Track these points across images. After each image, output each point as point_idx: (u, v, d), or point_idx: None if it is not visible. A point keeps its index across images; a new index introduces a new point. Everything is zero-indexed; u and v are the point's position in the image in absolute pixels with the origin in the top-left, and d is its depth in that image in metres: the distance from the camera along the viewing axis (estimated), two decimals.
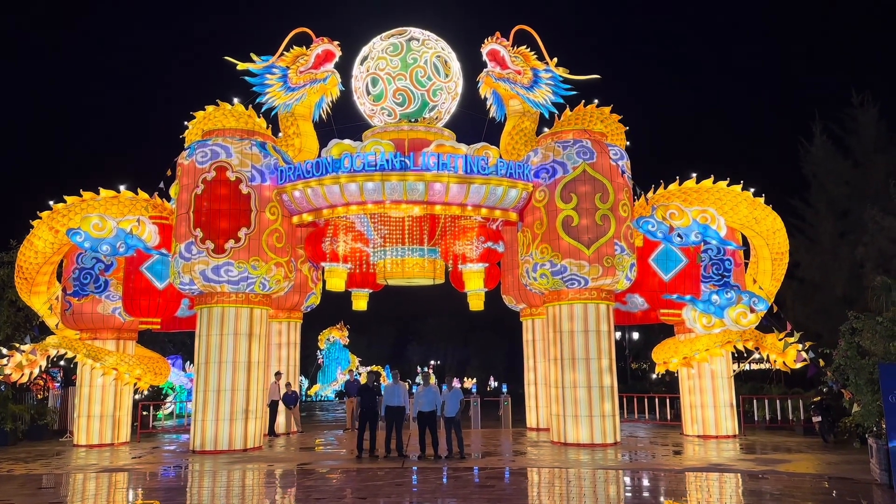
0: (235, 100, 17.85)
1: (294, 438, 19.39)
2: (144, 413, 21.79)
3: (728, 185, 17.84)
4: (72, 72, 64.59)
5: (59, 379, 24.57)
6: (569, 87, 17.81)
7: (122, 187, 17.71)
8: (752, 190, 17.85)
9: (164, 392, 26.95)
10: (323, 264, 18.45)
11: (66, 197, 17.56)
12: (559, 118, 17.87)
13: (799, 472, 12.59)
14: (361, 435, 14.96)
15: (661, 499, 10.95)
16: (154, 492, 12.21)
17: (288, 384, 20.41)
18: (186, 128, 18.21)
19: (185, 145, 17.65)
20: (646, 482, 12.13)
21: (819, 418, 17.22)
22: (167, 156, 17.59)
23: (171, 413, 25.68)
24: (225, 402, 15.73)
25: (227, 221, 15.98)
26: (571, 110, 17.95)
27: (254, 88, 17.64)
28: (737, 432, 18.09)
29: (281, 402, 19.98)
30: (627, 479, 12.26)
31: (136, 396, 20.80)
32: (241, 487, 11.95)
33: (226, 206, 16.07)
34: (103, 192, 17.65)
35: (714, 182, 17.87)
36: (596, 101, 17.94)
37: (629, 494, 11.27)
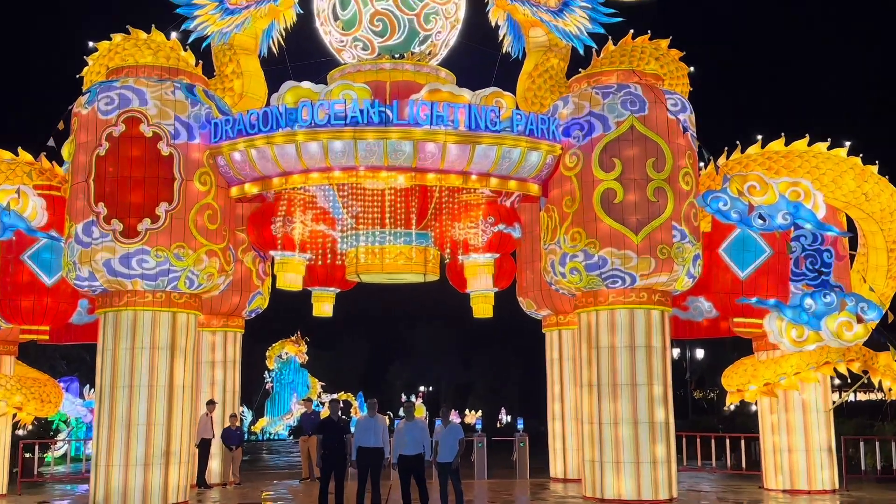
0: (153, 27, 17.69)
1: (232, 490, 19.41)
2: (27, 455, 21.77)
3: (829, 149, 17.81)
4: None
5: None
6: (612, 11, 17.72)
7: None
8: (861, 155, 17.83)
9: (54, 427, 26.96)
10: (272, 253, 18.40)
11: None
12: (598, 55, 17.79)
13: None
14: (325, 487, 14.98)
15: None
16: None
17: (232, 416, 20.48)
18: (86, 64, 18.08)
19: (84, 88, 17.54)
20: None
21: None
22: (59, 103, 17.51)
23: (65, 455, 25.71)
24: (138, 440, 15.67)
25: (140, 194, 15.89)
26: (615, 44, 17.86)
27: (178, 10, 17.50)
28: (836, 486, 18.14)
29: (217, 442, 20.00)
30: None
31: (17, 433, 20.80)
32: None
33: (139, 173, 15.97)
34: None
35: (809, 144, 17.84)
36: (649, 31, 17.85)
37: None
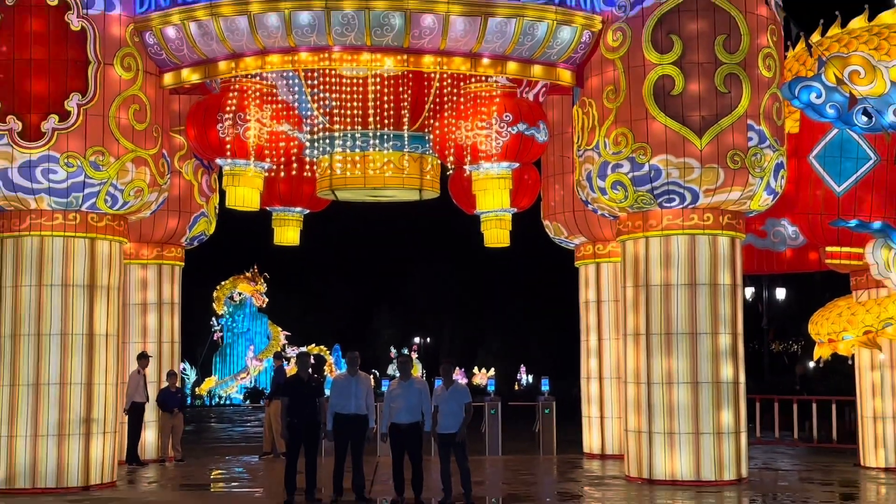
0: None
1: (172, 468, 19.70)
2: None
3: None
4: None
5: None
6: None
7: None
8: None
9: None
10: (220, 162, 18.36)
11: None
12: None
13: None
14: (293, 465, 15.14)
15: None
16: None
17: (171, 374, 20.68)
18: None
19: None
20: None
21: None
22: None
23: None
24: (49, 405, 15.85)
25: (45, 82, 15.83)
26: None
27: None
28: None
29: (152, 407, 20.21)
30: None
31: None
32: None
33: (42, 55, 15.87)
34: None
35: None
36: None
37: None
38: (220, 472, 19.88)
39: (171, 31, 16.19)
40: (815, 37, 17.67)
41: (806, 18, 17.53)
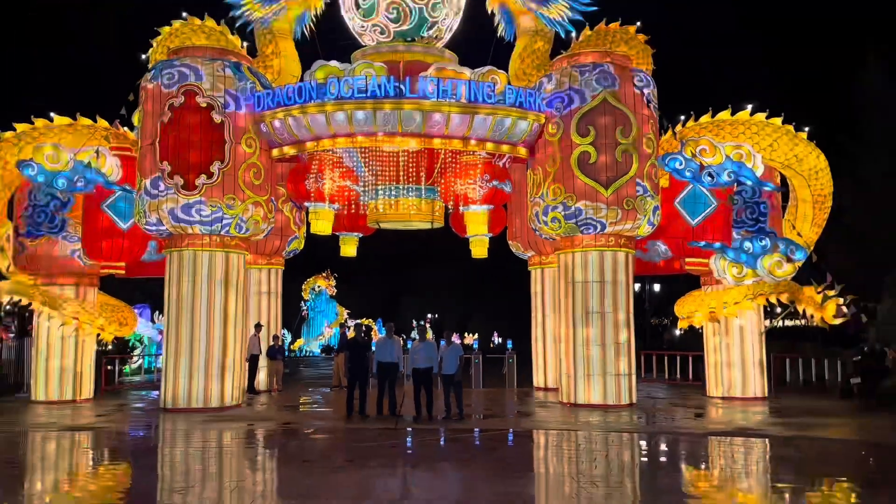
0: (206, 14, 17.47)
1: (276, 396, 19.71)
2: (109, 367, 22.08)
3: (766, 118, 17.66)
4: None
5: (13, 329, 24.78)
6: (588, 1, 17.42)
7: (78, 114, 17.49)
8: (794, 123, 17.67)
9: (130, 345, 27.26)
10: (307, 204, 18.38)
11: (15, 125, 17.36)
12: (577, 39, 17.55)
13: (833, 438, 12.86)
14: (351, 393, 15.20)
15: (681, 465, 11.21)
16: (122, 452, 12.49)
17: (275, 336, 20.69)
18: (150, 46, 17.88)
19: (149, 66, 17.36)
20: (663, 446, 12.40)
21: (858, 380, 17.48)
22: (129, 78, 17.34)
23: (139, 368, 26.04)
24: (199, 355, 15.92)
25: (197, 154, 15.87)
26: (591, 29, 17.61)
27: (227, 1, 17.24)
28: (766, 394, 18.38)
29: (263, 357, 20.25)
30: (643, 444, 12.53)
31: (100, 349, 21.03)
32: (218, 448, 12.22)
33: (196, 137, 15.92)
34: (57, 118, 17.44)
35: (751, 114, 17.68)
36: (619, 19, 17.59)
37: (645, 460, 11.53)
38: (305, 398, 19.93)
39: (277, 123, 16.26)
40: (679, 127, 17.67)
41: (674, 113, 17.58)
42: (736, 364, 18.25)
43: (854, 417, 15.41)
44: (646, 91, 16.46)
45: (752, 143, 16.99)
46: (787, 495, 8.96)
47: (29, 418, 15.60)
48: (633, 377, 16.61)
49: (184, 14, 17.50)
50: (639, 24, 17.69)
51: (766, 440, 12.60)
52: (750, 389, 18.14)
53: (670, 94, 17.75)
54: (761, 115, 17.68)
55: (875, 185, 25.51)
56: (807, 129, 17.74)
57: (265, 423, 14.70)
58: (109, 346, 23.93)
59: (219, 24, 17.49)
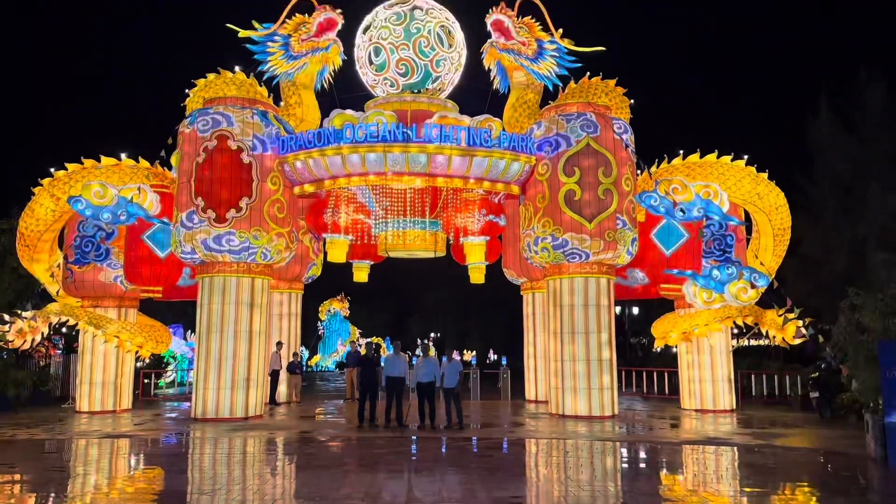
0: (237, 68, 17.67)
1: (295, 407, 19.57)
2: (146, 381, 21.98)
3: (731, 160, 17.73)
4: (71, 38, 63.89)
5: (60, 346, 24.71)
6: (573, 59, 17.62)
7: (123, 155, 17.63)
8: (756, 165, 17.76)
9: (165, 360, 27.16)
10: (324, 235, 18.45)
11: (66, 164, 17.50)
12: (563, 91, 17.70)
13: (795, 447, 12.73)
14: (362, 405, 15.10)
15: (659, 470, 11.09)
16: (156, 457, 12.39)
17: (295, 353, 20.60)
18: (187, 96, 18.05)
19: (187, 113, 17.53)
20: (642, 454, 12.27)
21: (817, 394, 17.35)
22: (168, 124, 17.51)
23: (173, 381, 25.91)
24: (226, 370, 15.85)
25: (228, 191, 15.94)
26: (576, 83, 17.77)
27: (255, 56, 17.43)
28: (734, 407, 18.23)
29: (283, 371, 20.15)
30: (624, 451, 12.41)
31: (138, 364, 20.97)
32: (242, 454, 12.11)
33: (227, 175, 16.01)
34: (104, 159, 17.58)
35: (718, 157, 17.76)
36: (601, 73, 17.79)
37: (626, 465, 11.42)
38: (321, 409, 19.77)
39: (298, 164, 16.36)
40: (653, 168, 17.76)
41: (649, 156, 17.67)
42: (707, 379, 18.13)
43: (813, 428, 15.27)
44: (624, 136, 16.58)
45: (719, 183, 17.04)
46: (754, 498, 8.85)
47: (74, 427, 15.48)
48: (615, 391, 16.50)
49: (218, 69, 17.71)
50: (617, 78, 17.88)
51: (735, 448, 12.49)
52: (720, 402, 18.00)
53: (646, 138, 17.87)
54: (727, 158, 17.76)
55: (828, 219, 25.55)
56: (767, 170, 17.83)
57: (285, 432, 14.58)
58: (147, 362, 23.86)
59: (248, 76, 17.67)
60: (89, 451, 12.60)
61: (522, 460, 12.02)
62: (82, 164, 17.52)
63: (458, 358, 16.65)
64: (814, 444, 13.00)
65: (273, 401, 19.68)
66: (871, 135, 25.45)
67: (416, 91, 18.56)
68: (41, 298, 18.57)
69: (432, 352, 15.54)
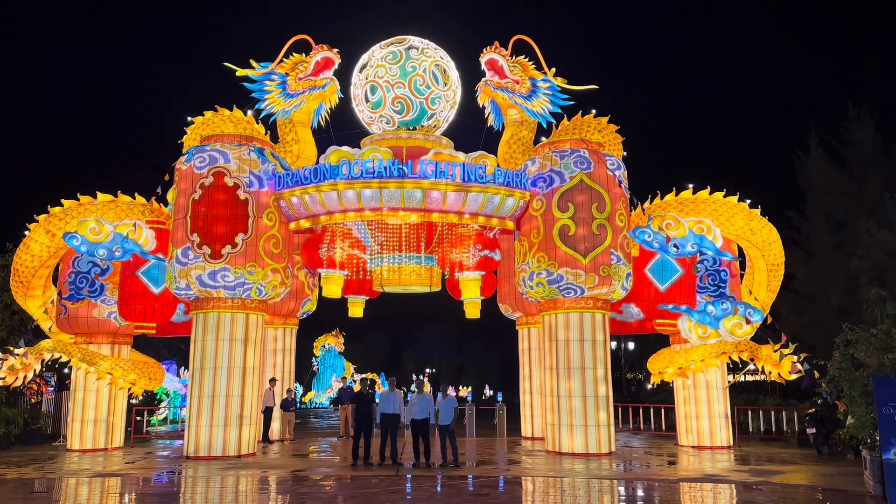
0: (234, 106, 17.89)
1: (288, 445, 19.31)
2: (138, 418, 21.70)
3: (724, 196, 17.88)
4: (71, 77, 64.64)
5: (52, 383, 24.47)
6: (567, 97, 17.89)
7: (119, 192, 17.69)
8: (749, 201, 17.90)
9: (158, 397, 26.86)
10: (320, 270, 18.40)
11: (62, 200, 17.54)
12: (557, 128, 17.93)
13: (793, 484, 12.60)
14: (356, 442, 14.92)
15: None
16: (147, 497, 12.17)
17: (289, 390, 20.41)
18: (185, 133, 18.21)
19: (184, 150, 17.66)
20: (640, 492, 12.12)
21: (813, 430, 17.23)
22: (165, 161, 17.62)
23: (165, 418, 25.58)
24: (219, 407, 15.68)
25: (224, 227, 15.98)
26: (569, 120, 18.02)
27: (253, 94, 17.66)
28: (731, 443, 18.08)
29: (276, 408, 19.92)
30: (622, 489, 12.25)
31: (131, 401, 20.72)
32: (234, 493, 11.91)
33: (223, 212, 16.06)
34: (100, 196, 17.63)
35: (710, 193, 17.92)
36: (594, 111, 18.02)
37: None
38: (315, 446, 19.52)
39: (294, 200, 16.44)
40: (647, 204, 17.89)
41: (643, 192, 17.83)
42: (704, 415, 18.00)
43: (810, 464, 15.13)
44: (617, 173, 16.74)
45: (712, 219, 17.14)
46: None
47: (64, 465, 15.23)
48: (612, 427, 16.35)
49: (215, 106, 17.90)
50: (609, 115, 18.14)
51: (733, 486, 12.35)
52: (717, 439, 17.85)
53: (640, 175, 18.04)
54: (719, 194, 17.92)
55: (821, 255, 25.72)
56: (759, 206, 17.98)
57: (277, 471, 14.36)
58: (139, 399, 23.59)
59: (245, 114, 17.85)
60: (79, 490, 12.39)
61: (519, 499, 11.84)
62: (78, 200, 17.56)
63: (453, 394, 16.56)
64: (812, 482, 12.87)
65: (266, 438, 19.43)
66: (861, 171, 25.81)
67: (411, 128, 18.76)
68: (34, 335, 18.43)
69: (427, 388, 15.45)
